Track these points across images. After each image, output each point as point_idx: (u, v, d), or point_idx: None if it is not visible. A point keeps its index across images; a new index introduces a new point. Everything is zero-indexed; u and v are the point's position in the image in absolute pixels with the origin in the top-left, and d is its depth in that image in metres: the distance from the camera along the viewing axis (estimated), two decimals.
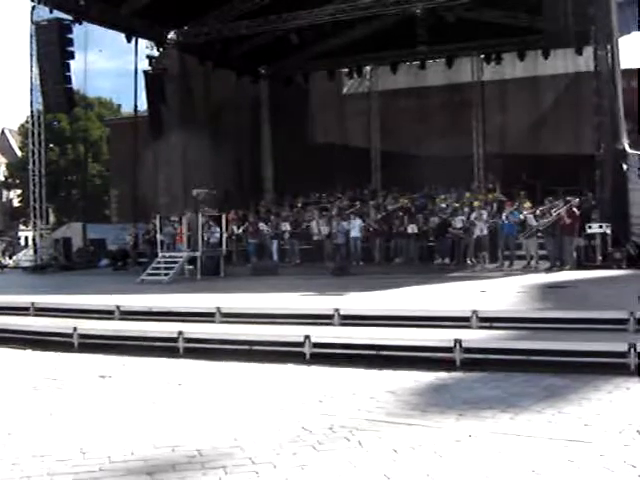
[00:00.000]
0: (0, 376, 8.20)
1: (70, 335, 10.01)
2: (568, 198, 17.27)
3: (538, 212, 17.29)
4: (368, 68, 28.42)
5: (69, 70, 21.88)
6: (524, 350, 7.74)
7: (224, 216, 18.98)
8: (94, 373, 8.02)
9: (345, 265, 17.88)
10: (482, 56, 26.02)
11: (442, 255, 19.07)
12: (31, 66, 22.27)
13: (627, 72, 18.51)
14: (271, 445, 5.04)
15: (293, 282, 15.60)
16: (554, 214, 16.67)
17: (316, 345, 8.46)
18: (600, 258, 16.60)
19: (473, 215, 18.51)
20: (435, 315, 9.33)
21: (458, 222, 18.55)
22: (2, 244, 34.82)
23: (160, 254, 17.91)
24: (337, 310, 9.71)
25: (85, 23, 22.15)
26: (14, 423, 5.92)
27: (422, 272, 16.92)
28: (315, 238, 20.85)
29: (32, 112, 23.25)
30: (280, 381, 7.47)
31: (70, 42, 21.61)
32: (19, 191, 55.24)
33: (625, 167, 17.12)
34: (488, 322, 8.92)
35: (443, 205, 20.40)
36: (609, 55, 17.41)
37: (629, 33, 20.33)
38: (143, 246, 22.41)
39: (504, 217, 17.84)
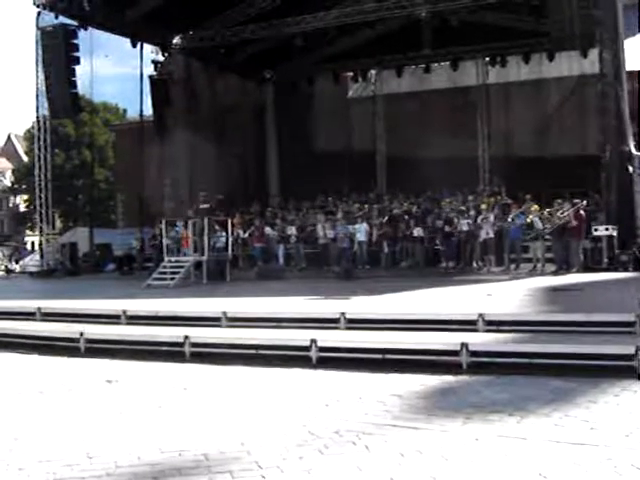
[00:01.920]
0: (7, 381, 8.23)
1: (76, 340, 10.00)
2: (575, 200, 17.22)
3: (544, 215, 17.25)
4: (373, 72, 28.44)
5: (74, 75, 21.99)
6: (531, 353, 7.71)
7: (230, 220, 18.99)
8: (100, 378, 8.02)
9: (351, 269, 17.85)
10: (487, 59, 25.95)
11: (448, 258, 19.06)
12: (37, 72, 22.40)
13: (629, 74, 18.47)
14: (278, 449, 5.04)
15: (299, 286, 15.60)
16: (561, 216, 16.62)
17: (322, 349, 8.43)
18: (606, 261, 16.56)
19: (479, 218, 18.46)
20: (441, 319, 9.31)
21: (464, 225, 18.50)
22: (9, 249, 34.95)
23: (166, 259, 17.91)
24: (343, 314, 9.70)
25: (90, 28, 22.25)
26: (21, 428, 5.93)
27: (428, 275, 16.91)
28: (321, 242, 20.80)
29: (38, 117, 23.34)
30: (286, 385, 7.46)
31: (75, 47, 21.73)
32: (25, 196, 55.50)
33: (631, 169, 17.08)
34: (495, 325, 8.89)
35: (448, 210, 20.31)
36: (615, 57, 17.38)
37: (633, 36, 20.33)
38: (149, 251, 22.43)
39: (510, 220, 17.81)
